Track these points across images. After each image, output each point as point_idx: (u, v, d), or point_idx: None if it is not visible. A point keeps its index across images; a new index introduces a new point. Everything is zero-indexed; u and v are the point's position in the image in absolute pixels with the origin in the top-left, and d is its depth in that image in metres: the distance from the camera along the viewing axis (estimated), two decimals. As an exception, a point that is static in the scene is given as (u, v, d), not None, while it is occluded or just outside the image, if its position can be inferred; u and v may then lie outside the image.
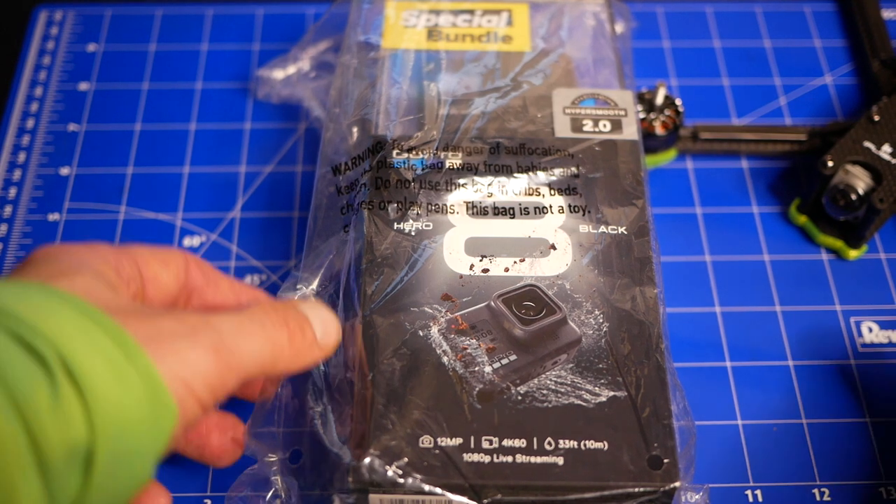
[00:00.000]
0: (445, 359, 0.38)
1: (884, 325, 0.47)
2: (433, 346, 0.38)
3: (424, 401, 0.37)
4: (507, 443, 0.36)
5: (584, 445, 0.36)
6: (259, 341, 0.34)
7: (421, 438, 0.36)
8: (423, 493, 0.35)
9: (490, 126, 0.45)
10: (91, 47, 0.58)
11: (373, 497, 0.36)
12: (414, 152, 0.44)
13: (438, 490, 0.35)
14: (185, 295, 0.38)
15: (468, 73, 0.48)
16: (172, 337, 0.31)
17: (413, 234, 0.41)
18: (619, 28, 0.52)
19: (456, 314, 0.39)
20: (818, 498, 0.42)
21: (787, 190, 0.52)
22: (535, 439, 0.36)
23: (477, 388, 0.37)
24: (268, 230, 0.50)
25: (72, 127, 0.55)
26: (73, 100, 0.56)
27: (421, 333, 0.38)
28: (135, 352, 0.29)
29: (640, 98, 0.52)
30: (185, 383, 0.31)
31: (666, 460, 0.36)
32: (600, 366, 0.38)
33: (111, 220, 0.51)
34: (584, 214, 0.42)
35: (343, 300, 0.40)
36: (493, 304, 0.39)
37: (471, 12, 0.51)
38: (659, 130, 0.51)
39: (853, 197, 0.48)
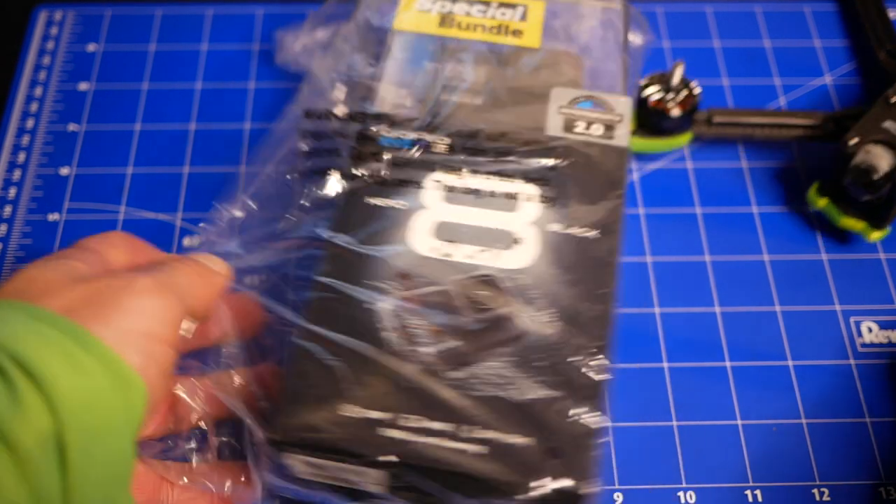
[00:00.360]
0: (387, 334, 0.38)
1: (884, 325, 0.47)
2: (380, 319, 0.38)
3: (357, 371, 0.37)
4: (430, 424, 0.36)
5: (507, 438, 0.36)
6: (188, 279, 0.37)
7: (348, 406, 0.36)
8: (337, 458, 0.36)
9: (481, 116, 0.45)
10: (91, 47, 0.58)
11: (293, 457, 0.36)
12: (400, 130, 0.44)
13: (352, 458, 0.36)
14: None
15: (473, 63, 0.48)
16: (117, 303, 0.34)
17: (383, 209, 0.42)
18: (637, 39, 0.53)
19: (408, 293, 0.39)
20: (818, 498, 0.42)
21: (786, 188, 0.52)
22: (458, 425, 0.36)
23: (412, 367, 0.37)
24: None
25: (72, 127, 0.55)
26: (72, 100, 0.56)
27: (368, 306, 0.39)
28: (87, 339, 0.32)
29: (657, 79, 0.52)
30: (143, 341, 0.33)
31: (578, 464, 0.36)
32: (538, 363, 0.38)
33: (111, 220, 0.51)
34: (555, 211, 0.42)
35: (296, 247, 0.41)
36: (447, 288, 0.40)
37: (486, 3, 0.51)
38: (675, 111, 0.51)
39: (876, 176, 0.47)
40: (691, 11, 0.60)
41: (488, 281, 0.40)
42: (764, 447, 0.44)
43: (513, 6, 0.51)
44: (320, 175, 0.43)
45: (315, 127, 0.45)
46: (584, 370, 0.38)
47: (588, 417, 0.37)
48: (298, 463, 0.36)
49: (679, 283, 0.48)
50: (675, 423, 0.44)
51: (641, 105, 0.52)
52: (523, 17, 0.50)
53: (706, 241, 0.50)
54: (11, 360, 0.30)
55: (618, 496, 0.42)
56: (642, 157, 0.53)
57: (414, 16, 0.50)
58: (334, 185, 0.43)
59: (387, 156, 0.43)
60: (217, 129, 0.54)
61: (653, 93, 0.52)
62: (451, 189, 0.43)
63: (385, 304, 0.39)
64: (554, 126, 0.45)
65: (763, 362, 0.46)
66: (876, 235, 0.49)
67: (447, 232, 0.41)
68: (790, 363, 0.46)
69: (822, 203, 0.50)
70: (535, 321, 0.39)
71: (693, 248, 0.50)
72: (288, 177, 0.44)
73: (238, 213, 0.43)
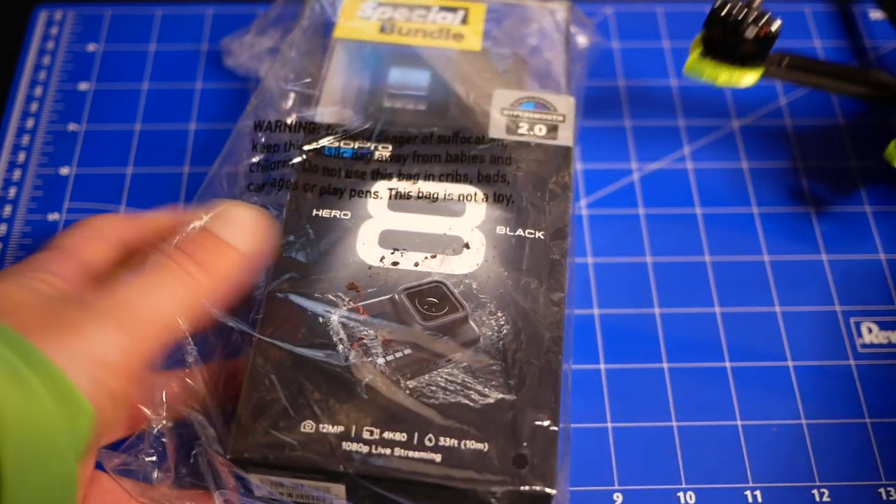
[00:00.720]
0: (340, 346, 0.38)
1: (884, 326, 0.47)
2: (330, 332, 0.38)
3: (312, 385, 0.37)
4: (387, 435, 0.36)
5: (465, 445, 0.36)
6: (168, 292, 0.33)
7: (303, 423, 0.36)
8: (299, 475, 0.36)
9: (424, 121, 0.45)
10: (91, 47, 0.58)
11: (252, 475, 0.36)
12: (345, 141, 0.44)
13: (311, 475, 0.36)
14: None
15: (415, 68, 0.48)
16: (76, 327, 0.31)
17: (329, 221, 0.42)
18: (583, 40, 0.53)
19: (358, 304, 0.39)
20: (818, 498, 0.42)
21: (786, 188, 0.52)
22: (416, 434, 0.36)
23: (366, 379, 0.37)
24: (267, 230, 0.50)
25: (72, 127, 0.55)
26: (72, 100, 0.56)
27: (320, 319, 0.39)
28: (35, 357, 0.30)
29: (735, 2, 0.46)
30: (97, 369, 0.31)
31: (540, 466, 0.36)
32: (493, 367, 0.38)
33: (111, 220, 0.51)
34: (503, 212, 0.42)
35: None
36: (396, 297, 0.40)
37: (427, 7, 0.51)
38: (751, 32, 0.45)
39: None
40: (691, 12, 0.60)
41: (438, 287, 0.40)
42: (764, 447, 0.44)
43: (453, 10, 0.51)
44: (275, 187, 0.43)
45: (266, 139, 0.45)
46: (539, 371, 0.38)
47: (547, 418, 0.37)
48: (258, 481, 0.36)
49: (679, 284, 0.48)
50: (674, 423, 0.44)
51: (712, 22, 0.46)
52: (464, 21, 0.50)
53: (706, 241, 0.50)
54: None
55: (617, 496, 0.42)
56: (642, 156, 0.53)
57: (355, 24, 0.50)
58: (284, 196, 0.43)
59: (331, 166, 0.43)
60: (217, 130, 0.54)
61: (730, 8, 0.46)
62: (396, 196, 0.43)
63: (336, 317, 0.39)
64: (497, 128, 0.45)
65: (763, 363, 0.46)
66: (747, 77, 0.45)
67: (393, 240, 0.41)
68: (790, 363, 0.46)
69: (702, 67, 0.46)
70: (488, 325, 0.39)
71: (693, 248, 0.50)
72: (245, 187, 0.44)
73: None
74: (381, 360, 0.38)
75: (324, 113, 0.46)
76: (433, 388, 0.37)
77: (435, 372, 0.38)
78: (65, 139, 0.54)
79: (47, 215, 0.51)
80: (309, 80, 0.48)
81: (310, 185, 0.43)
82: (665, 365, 0.46)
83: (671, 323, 0.47)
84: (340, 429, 0.36)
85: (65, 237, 0.37)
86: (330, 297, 0.39)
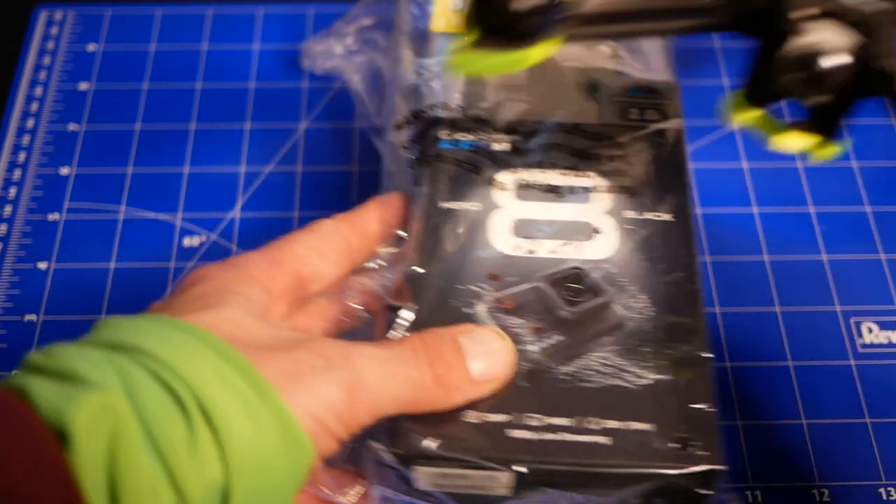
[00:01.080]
0: None
1: (884, 326, 0.47)
2: (479, 323, 0.38)
3: None
4: (552, 421, 0.36)
5: (629, 426, 0.36)
6: (399, 382, 0.34)
7: (466, 413, 0.36)
8: (466, 466, 0.35)
9: (538, 110, 0.45)
10: (91, 47, 0.58)
11: (418, 469, 0.36)
12: (462, 133, 0.44)
13: (484, 463, 0.35)
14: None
15: None
16: (306, 373, 0.32)
17: (460, 213, 0.42)
18: None
19: (502, 293, 0.39)
20: (818, 498, 0.42)
21: (786, 188, 0.52)
22: (579, 418, 0.36)
23: (524, 367, 0.37)
24: (268, 230, 0.50)
25: (72, 127, 0.55)
26: (73, 100, 0.56)
27: (467, 311, 0.39)
28: (268, 392, 0.30)
29: None
30: (317, 419, 0.31)
31: (705, 445, 0.35)
32: (644, 349, 0.38)
33: (111, 219, 0.51)
34: (629, 199, 0.43)
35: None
36: (539, 285, 0.40)
37: None
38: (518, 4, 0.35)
39: (825, 65, 0.34)
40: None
41: (577, 273, 0.40)
42: (764, 447, 0.44)
43: None
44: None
45: (406, 135, 0.45)
46: (688, 350, 0.38)
47: (702, 400, 0.36)
48: (424, 475, 0.36)
49: (679, 284, 0.48)
50: (675, 423, 0.44)
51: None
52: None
53: (706, 241, 0.50)
54: (195, 400, 0.29)
55: (618, 496, 0.42)
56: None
57: (450, 16, 0.50)
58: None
59: (456, 157, 0.43)
60: (217, 130, 0.54)
61: None
62: (521, 186, 0.43)
63: (481, 308, 0.39)
64: (609, 115, 0.45)
65: (763, 362, 0.46)
66: (828, 152, 0.37)
67: (526, 229, 0.42)
68: (790, 363, 0.46)
69: (750, 117, 0.38)
70: (631, 308, 0.39)
71: (693, 248, 0.50)
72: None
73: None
74: (534, 348, 0.38)
75: (435, 106, 0.46)
76: (589, 372, 0.37)
77: (588, 356, 0.38)
78: (65, 139, 0.54)
79: (47, 215, 0.51)
80: (411, 77, 0.47)
81: (433, 180, 0.43)
82: (665, 365, 0.46)
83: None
84: (506, 417, 0.36)
85: (285, 245, 0.38)
86: (472, 288, 0.39)
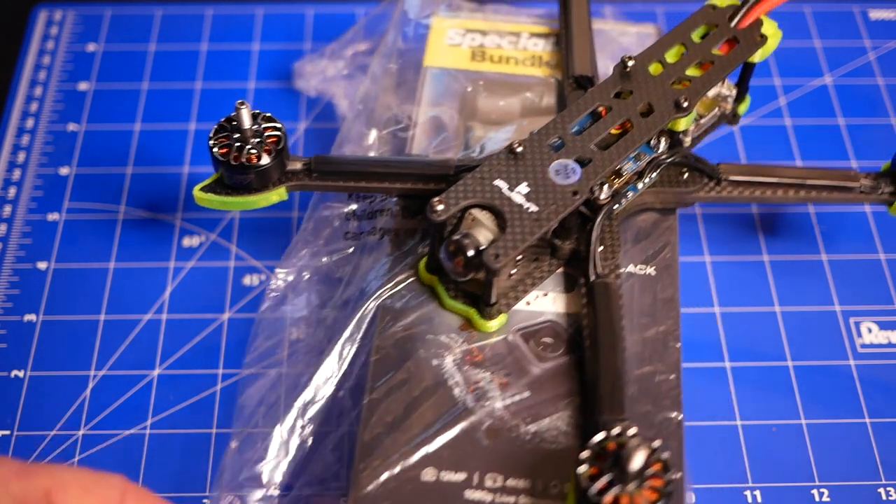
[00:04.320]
0: (457, 390, 0.37)
1: (884, 326, 0.47)
2: (446, 376, 0.37)
3: (431, 432, 0.36)
4: (510, 482, 0.35)
5: None
6: None
7: (425, 471, 0.35)
8: None
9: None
10: (91, 47, 0.58)
11: None
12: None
13: None
14: None
15: (510, 97, 0.47)
16: None
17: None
18: None
19: (472, 345, 0.38)
20: (817, 498, 0.42)
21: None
22: (540, 481, 0.35)
23: (486, 423, 0.36)
24: (267, 230, 0.50)
25: (71, 127, 0.55)
26: (72, 100, 0.56)
27: (434, 362, 0.38)
28: None
29: (223, 126, 0.42)
30: None
31: None
32: None
33: (111, 219, 0.51)
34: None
35: (355, 317, 0.39)
36: (510, 337, 0.38)
37: (517, 34, 0.50)
38: (264, 158, 0.41)
39: (471, 252, 0.37)
40: (691, 12, 0.60)
41: (551, 327, 0.39)
42: (764, 447, 0.44)
43: (543, 35, 0.50)
44: (374, 236, 0.43)
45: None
46: (661, 412, 0.36)
47: (673, 463, 0.34)
48: None
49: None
50: (674, 423, 0.44)
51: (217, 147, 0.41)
52: (555, 48, 0.50)
53: (706, 242, 0.50)
54: None
55: (617, 496, 0.42)
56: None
57: (444, 50, 0.49)
58: (381, 245, 0.42)
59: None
60: (217, 129, 0.54)
61: (219, 142, 0.41)
62: None
63: (450, 359, 0.38)
64: None
65: (763, 362, 0.46)
66: (488, 326, 0.39)
67: None
68: (790, 363, 0.46)
69: (429, 279, 0.40)
70: None
71: (693, 249, 0.50)
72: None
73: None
74: (499, 404, 0.37)
75: (418, 151, 0.44)
76: (554, 433, 0.36)
77: (555, 415, 0.36)
78: (65, 139, 0.54)
79: (47, 215, 0.51)
80: (396, 117, 0.47)
81: (412, 231, 0.41)
82: (665, 365, 0.46)
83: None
84: (462, 476, 0.35)
85: (53, 466, 0.30)
86: (442, 339, 0.38)
